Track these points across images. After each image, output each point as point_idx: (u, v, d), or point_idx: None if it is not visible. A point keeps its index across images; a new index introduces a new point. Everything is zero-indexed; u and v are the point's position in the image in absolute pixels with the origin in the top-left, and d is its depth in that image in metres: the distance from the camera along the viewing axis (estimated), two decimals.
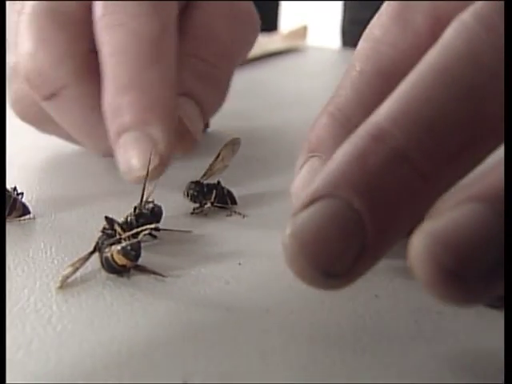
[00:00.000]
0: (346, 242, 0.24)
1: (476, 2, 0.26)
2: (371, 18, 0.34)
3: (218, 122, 0.51)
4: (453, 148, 0.24)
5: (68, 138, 0.45)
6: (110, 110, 0.38)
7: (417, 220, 0.24)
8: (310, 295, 0.31)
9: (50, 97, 0.40)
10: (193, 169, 0.42)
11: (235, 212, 0.40)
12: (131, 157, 0.37)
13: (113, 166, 0.45)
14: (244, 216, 0.39)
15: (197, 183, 0.40)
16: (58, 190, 0.42)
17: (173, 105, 0.39)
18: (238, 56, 0.47)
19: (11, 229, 0.36)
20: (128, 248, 0.31)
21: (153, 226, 0.33)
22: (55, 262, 0.33)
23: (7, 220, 0.36)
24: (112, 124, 0.38)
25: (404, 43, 0.33)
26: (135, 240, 0.31)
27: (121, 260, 0.31)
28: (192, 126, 0.41)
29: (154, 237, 0.35)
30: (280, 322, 0.29)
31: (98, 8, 0.40)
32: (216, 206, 0.39)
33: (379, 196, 0.24)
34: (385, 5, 0.34)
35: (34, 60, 0.40)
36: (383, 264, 0.33)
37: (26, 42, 0.40)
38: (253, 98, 0.68)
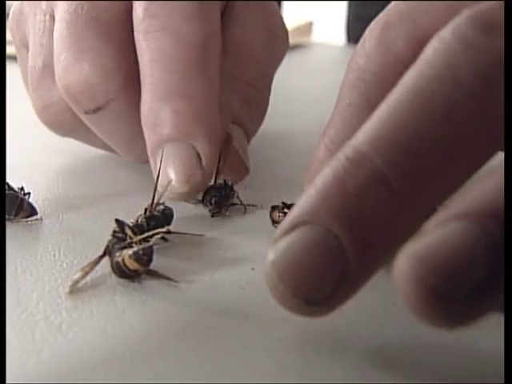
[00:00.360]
0: (326, 269, 0.23)
1: (455, 18, 0.25)
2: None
3: None
4: (432, 170, 0.23)
5: (103, 146, 0.43)
6: (150, 119, 0.36)
7: (399, 244, 0.23)
8: None
9: (94, 111, 0.38)
10: None
11: (253, 205, 0.39)
12: (172, 171, 0.35)
13: (121, 165, 0.45)
14: (262, 206, 0.39)
15: (217, 188, 0.39)
16: (65, 190, 0.41)
17: (218, 118, 0.37)
18: (273, 74, 0.45)
19: (18, 230, 0.35)
20: (140, 253, 0.30)
21: (165, 229, 0.33)
22: (64, 265, 0.32)
23: (14, 221, 0.36)
24: (152, 134, 0.36)
25: (386, 70, 0.32)
26: (148, 245, 0.30)
27: (133, 265, 0.30)
28: (243, 155, 0.40)
29: (165, 240, 0.34)
30: (297, 331, 0.28)
31: (139, 10, 0.37)
32: (233, 204, 0.39)
33: (359, 220, 0.23)
34: (368, 30, 0.33)
35: (77, 73, 0.37)
36: None
37: (66, 52, 0.37)
38: None
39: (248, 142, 0.42)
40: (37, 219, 0.36)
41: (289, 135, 0.55)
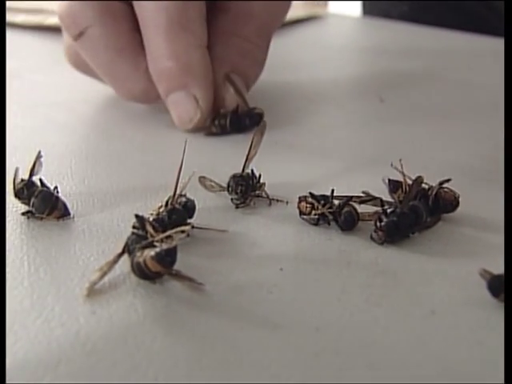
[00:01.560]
0: None
1: None
2: None
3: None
4: None
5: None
6: (154, 75, 0.45)
7: None
8: (361, 309, 0.28)
9: (79, 36, 0.46)
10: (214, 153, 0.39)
11: (277, 200, 0.37)
12: (175, 115, 0.46)
13: (141, 150, 0.43)
14: (287, 202, 0.37)
15: (243, 177, 0.36)
16: (79, 177, 0.39)
17: (207, 63, 0.46)
18: (274, 29, 0.51)
19: (30, 225, 0.33)
20: (163, 254, 0.28)
21: (188, 227, 0.30)
22: (80, 262, 0.30)
23: (45, 219, 0.33)
24: (159, 87, 0.46)
25: None
26: (171, 245, 0.28)
27: (155, 267, 0.28)
28: (240, 96, 0.47)
29: (187, 235, 0.32)
30: (333, 343, 0.26)
31: None
32: (258, 196, 0.37)
33: None
34: None
35: (65, 4, 0.47)
36: (437, 273, 0.31)
37: None
38: (272, 70, 0.64)
39: (248, 89, 0.49)
40: (69, 219, 0.34)
41: (305, 114, 0.52)
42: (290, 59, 0.68)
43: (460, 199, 0.35)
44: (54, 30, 0.71)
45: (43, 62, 0.60)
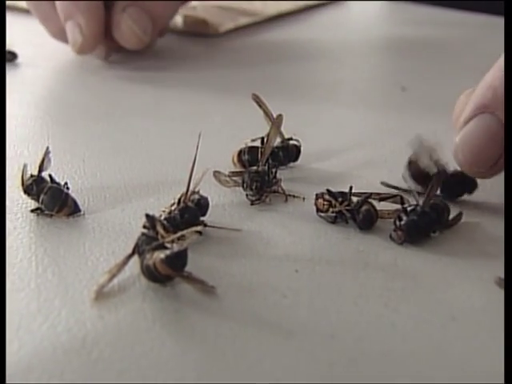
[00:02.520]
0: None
1: None
2: None
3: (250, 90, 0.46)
4: None
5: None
6: (57, 8, 0.55)
7: None
8: (378, 315, 0.27)
9: None
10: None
11: (294, 196, 0.36)
12: (69, 39, 0.54)
13: (153, 145, 0.42)
14: (304, 198, 0.36)
15: (258, 173, 0.35)
16: (91, 177, 0.38)
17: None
18: None
19: (39, 223, 0.32)
20: (173, 256, 0.27)
21: (199, 228, 0.30)
22: (89, 263, 0.29)
23: (55, 216, 0.33)
24: (60, 19, 0.54)
25: None
26: (182, 247, 0.27)
27: (165, 270, 0.27)
28: (139, 28, 0.55)
29: (200, 233, 0.31)
30: (349, 351, 0.25)
31: None
32: (274, 192, 0.36)
33: None
34: None
35: None
36: (458, 276, 0.30)
37: None
38: (290, 56, 0.63)
39: (152, 22, 0.56)
40: (79, 215, 0.33)
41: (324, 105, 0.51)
42: (310, 45, 0.66)
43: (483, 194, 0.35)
44: None
45: (57, 49, 0.59)
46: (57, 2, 0.55)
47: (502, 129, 0.33)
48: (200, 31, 0.66)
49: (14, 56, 0.55)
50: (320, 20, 0.75)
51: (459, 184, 0.35)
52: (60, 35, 0.57)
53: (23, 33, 0.63)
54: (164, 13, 0.58)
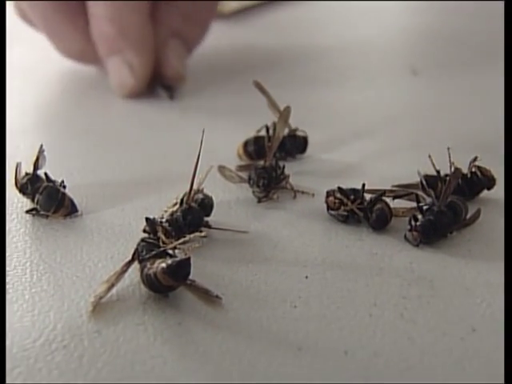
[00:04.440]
0: None
1: None
2: None
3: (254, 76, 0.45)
4: None
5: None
6: (93, 37, 0.45)
7: None
8: (395, 327, 0.25)
9: None
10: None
11: (303, 192, 0.34)
12: (114, 78, 0.45)
13: (155, 142, 0.40)
14: (313, 195, 0.34)
15: (266, 170, 0.33)
16: (90, 173, 0.36)
17: (146, 29, 0.45)
18: None
19: (35, 224, 0.31)
20: (176, 266, 0.25)
21: (203, 233, 0.28)
22: (86, 269, 0.28)
23: (51, 217, 0.31)
24: (98, 50, 0.45)
25: None
26: (185, 257, 0.25)
27: (166, 281, 0.25)
28: (180, 64, 0.47)
29: (204, 236, 0.29)
30: (363, 368, 0.23)
31: None
32: (282, 188, 0.34)
33: None
34: None
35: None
36: (478, 281, 0.28)
37: None
38: (299, 37, 0.61)
39: (189, 52, 0.49)
40: (76, 216, 0.31)
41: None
42: (317, 28, 0.64)
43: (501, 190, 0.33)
44: None
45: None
46: (94, 29, 0.45)
47: None
48: None
49: None
50: (328, 2, 0.72)
51: (477, 182, 0.34)
52: (79, 56, 0.48)
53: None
54: (200, 39, 0.50)
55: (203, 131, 0.30)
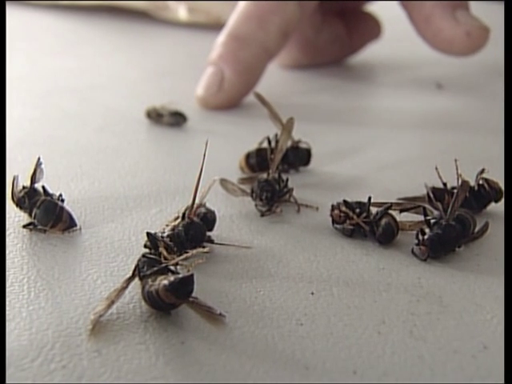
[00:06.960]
0: None
1: None
2: None
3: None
4: None
5: None
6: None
7: None
8: (404, 345, 0.24)
9: None
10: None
11: (307, 206, 0.33)
12: (203, 83, 0.47)
13: (157, 153, 0.39)
14: (317, 208, 0.33)
15: (269, 183, 0.33)
16: (88, 186, 0.35)
17: (255, 61, 0.47)
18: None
19: (32, 239, 0.30)
20: (178, 283, 0.24)
21: (206, 249, 0.27)
22: (85, 286, 0.27)
23: (49, 232, 0.30)
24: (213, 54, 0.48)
25: None
26: (188, 274, 0.24)
27: (169, 298, 0.24)
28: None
29: (207, 251, 0.29)
30: None
31: None
32: (285, 201, 0.33)
33: None
34: None
35: None
36: (488, 296, 0.27)
37: None
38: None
39: None
40: (75, 230, 0.31)
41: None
42: None
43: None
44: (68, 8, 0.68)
45: (58, 44, 0.56)
46: (220, 42, 0.47)
47: None
48: (203, 22, 0.66)
49: None
50: None
51: (484, 194, 0.33)
52: None
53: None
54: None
55: (206, 143, 0.29)
